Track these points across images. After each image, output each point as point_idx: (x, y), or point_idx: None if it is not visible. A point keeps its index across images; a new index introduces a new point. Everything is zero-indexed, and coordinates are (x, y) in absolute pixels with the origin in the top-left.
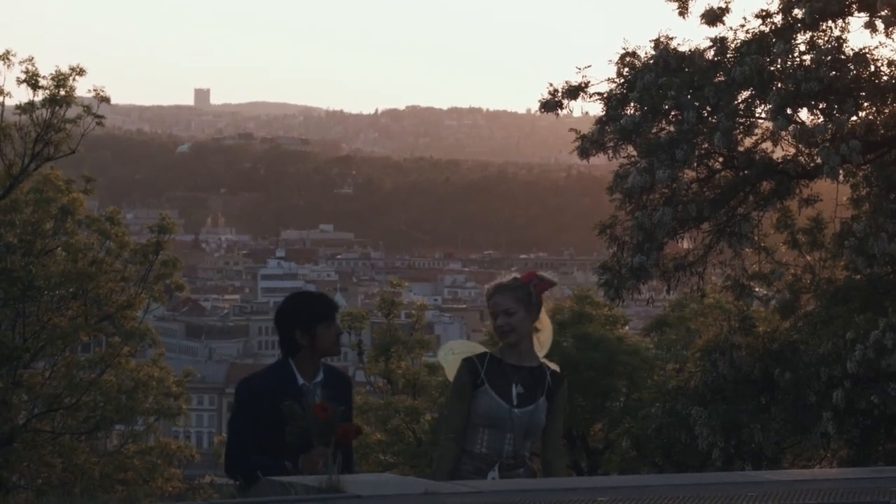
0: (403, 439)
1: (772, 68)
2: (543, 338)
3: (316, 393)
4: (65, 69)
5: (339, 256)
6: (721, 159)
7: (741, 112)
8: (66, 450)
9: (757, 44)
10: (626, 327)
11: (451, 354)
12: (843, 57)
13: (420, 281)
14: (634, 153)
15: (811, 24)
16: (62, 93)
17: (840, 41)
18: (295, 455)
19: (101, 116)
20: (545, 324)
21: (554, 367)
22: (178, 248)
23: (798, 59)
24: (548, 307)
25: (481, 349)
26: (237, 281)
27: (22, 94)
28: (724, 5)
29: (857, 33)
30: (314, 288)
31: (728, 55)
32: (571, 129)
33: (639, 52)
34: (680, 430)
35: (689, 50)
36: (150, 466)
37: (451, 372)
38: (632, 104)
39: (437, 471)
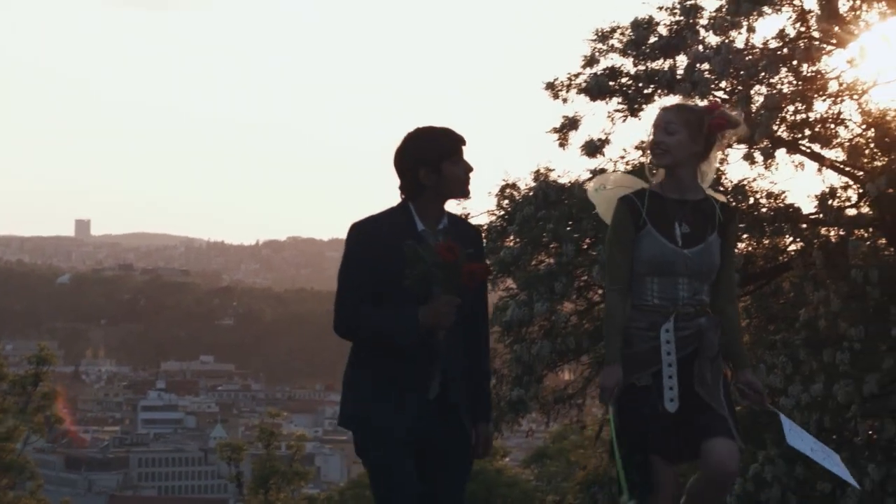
0: None
1: None
2: (705, 167)
3: (438, 240)
4: None
5: (219, 388)
6: (600, 292)
7: None
8: None
9: (636, 175)
10: (506, 459)
11: (604, 189)
12: (721, 189)
13: (301, 412)
14: (514, 286)
15: None
16: None
17: (719, 173)
18: (415, 306)
19: None
20: (710, 158)
21: (721, 198)
22: (58, 380)
23: None
24: None
25: (640, 184)
26: (117, 412)
27: None
28: (603, 137)
29: (735, 165)
30: (194, 420)
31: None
32: None
33: (519, 183)
34: None
35: (569, 182)
36: None
37: (605, 211)
38: (511, 236)
39: (608, 330)
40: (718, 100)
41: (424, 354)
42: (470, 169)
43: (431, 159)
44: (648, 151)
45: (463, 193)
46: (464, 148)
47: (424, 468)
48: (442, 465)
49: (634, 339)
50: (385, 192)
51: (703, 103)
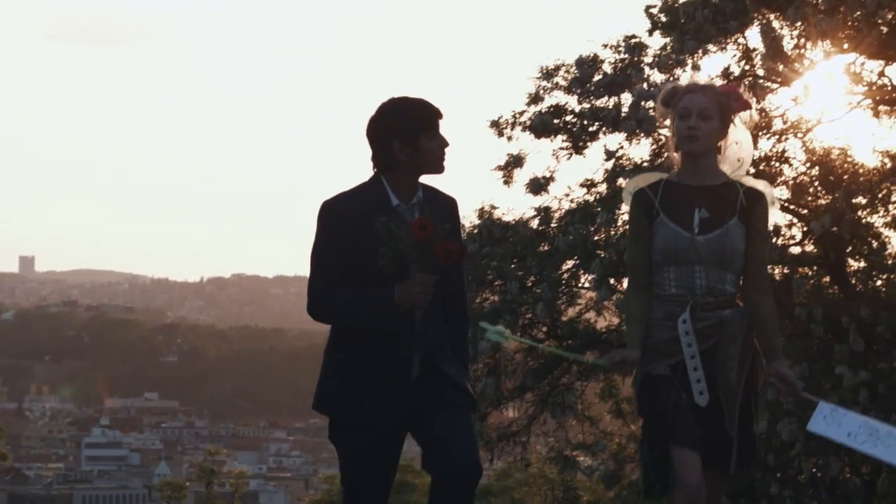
0: None
1: (596, 238)
2: (731, 153)
3: (413, 215)
4: None
5: (163, 424)
6: (545, 329)
7: (565, 282)
8: None
9: (581, 213)
10: None
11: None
12: None
13: (245, 449)
14: None
15: None
16: None
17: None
18: (390, 286)
19: None
20: (742, 138)
21: (751, 182)
22: (1, 417)
23: (621, 229)
24: None
25: (656, 177)
26: (61, 449)
27: None
28: (548, 174)
29: None
30: (138, 457)
31: (552, 224)
32: None
33: (463, 221)
34: None
35: (514, 219)
36: None
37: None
38: None
39: (627, 327)
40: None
41: (403, 336)
42: (445, 144)
43: (406, 132)
44: (675, 136)
45: (437, 169)
46: (440, 122)
47: (422, 427)
48: (439, 412)
49: (653, 329)
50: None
51: (721, 85)
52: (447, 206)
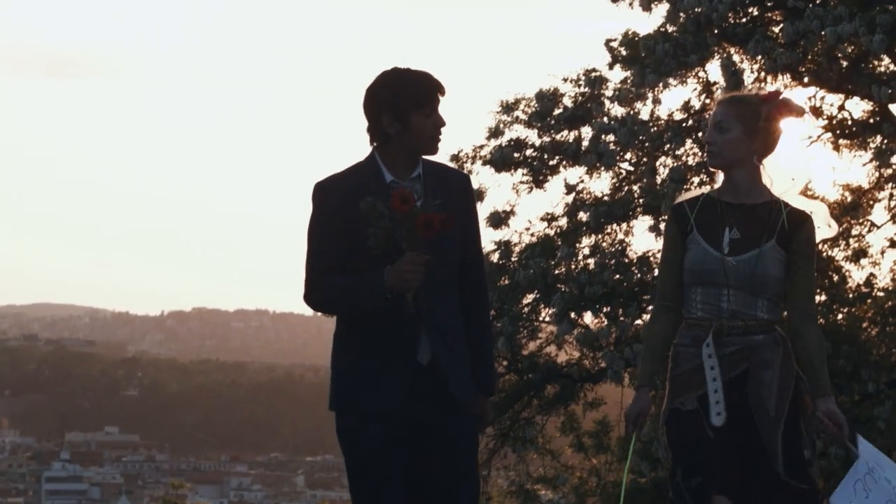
0: None
1: (556, 272)
2: (770, 166)
3: (412, 190)
4: None
5: (124, 458)
6: (505, 363)
7: (525, 316)
8: None
9: (541, 247)
10: None
11: None
12: (626, 261)
13: (206, 483)
14: None
15: (596, 227)
16: None
17: (624, 245)
18: (381, 268)
19: None
20: (775, 153)
21: (800, 203)
22: None
23: (582, 263)
24: None
25: (700, 193)
26: (21, 483)
27: None
28: (508, 208)
29: (641, 237)
30: (98, 491)
31: (513, 258)
32: None
33: None
34: None
35: None
36: None
37: None
38: None
39: (642, 350)
40: (779, 88)
41: (405, 318)
42: (441, 124)
43: (397, 107)
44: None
45: (429, 150)
46: (440, 98)
47: (425, 454)
48: (442, 450)
49: (679, 357)
50: (289, 266)
51: (762, 92)
52: (454, 182)
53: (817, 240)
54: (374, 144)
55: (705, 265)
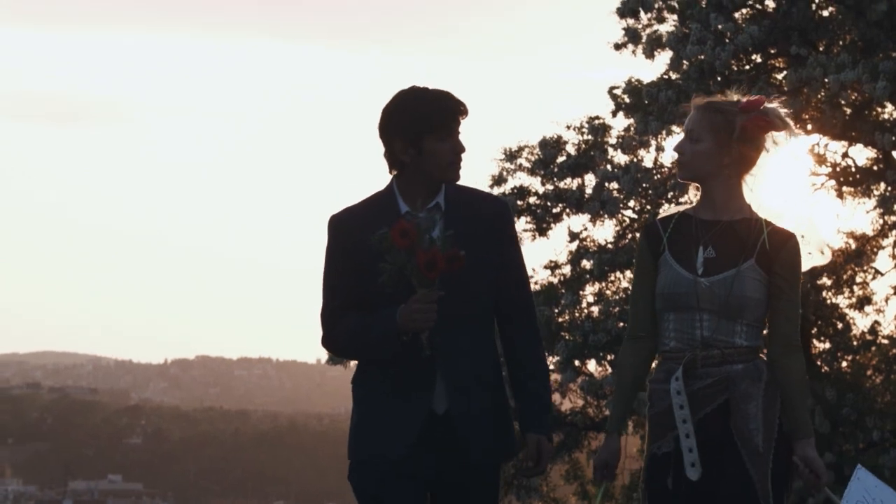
0: None
1: (560, 319)
2: (750, 181)
3: (432, 221)
4: None
5: None
6: None
7: None
8: None
9: (545, 295)
10: None
11: None
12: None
13: None
14: None
15: (599, 275)
16: None
17: (627, 292)
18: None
19: None
20: (760, 166)
21: (784, 224)
22: None
23: (586, 311)
24: None
25: (676, 210)
26: None
27: None
28: None
29: None
30: None
31: None
32: None
33: None
34: None
35: None
36: None
37: None
38: None
39: (612, 403)
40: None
41: (418, 362)
42: (461, 150)
43: (410, 131)
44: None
45: (447, 177)
46: (461, 120)
47: None
48: None
49: (654, 395)
50: (292, 313)
51: (742, 98)
52: (485, 209)
53: (809, 266)
54: (393, 173)
55: (677, 288)
